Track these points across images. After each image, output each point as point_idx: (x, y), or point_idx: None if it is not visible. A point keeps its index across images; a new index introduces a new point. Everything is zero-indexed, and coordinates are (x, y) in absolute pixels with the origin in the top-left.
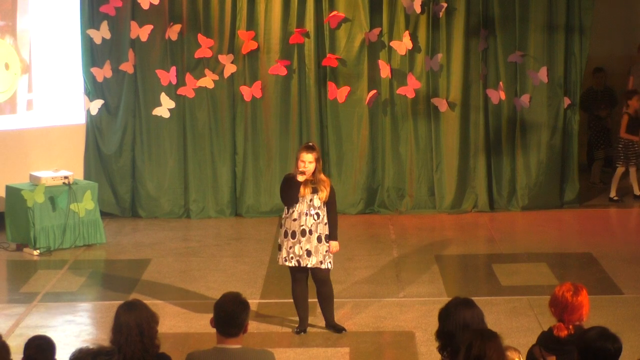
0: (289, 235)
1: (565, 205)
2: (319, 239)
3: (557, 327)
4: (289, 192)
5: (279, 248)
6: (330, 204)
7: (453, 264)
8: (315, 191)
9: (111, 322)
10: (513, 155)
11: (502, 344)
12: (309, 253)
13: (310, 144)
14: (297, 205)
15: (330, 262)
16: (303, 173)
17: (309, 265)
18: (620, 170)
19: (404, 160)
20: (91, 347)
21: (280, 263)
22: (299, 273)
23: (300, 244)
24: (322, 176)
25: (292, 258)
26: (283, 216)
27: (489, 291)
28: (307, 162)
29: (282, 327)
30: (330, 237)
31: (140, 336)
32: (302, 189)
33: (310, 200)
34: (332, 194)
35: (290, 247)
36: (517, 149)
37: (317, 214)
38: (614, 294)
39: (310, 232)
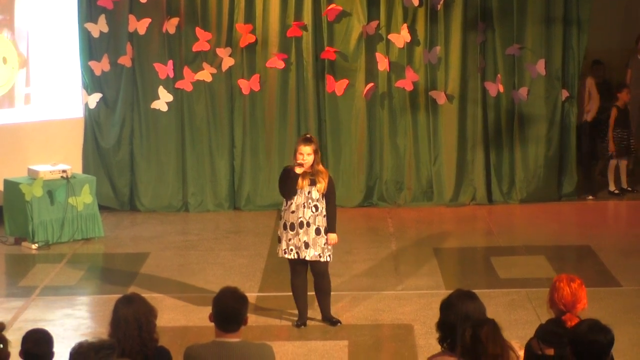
0: (288, 227)
1: (564, 198)
2: (318, 231)
3: (569, 319)
4: (287, 184)
5: (279, 240)
6: (329, 196)
7: (451, 256)
8: (313, 183)
9: (109, 316)
10: (511, 147)
11: (498, 329)
12: (306, 245)
13: (308, 135)
14: (296, 197)
15: (329, 255)
16: (301, 165)
17: (307, 258)
18: (614, 163)
19: (402, 153)
20: (92, 341)
21: (280, 255)
22: (299, 265)
23: (298, 236)
24: (321, 167)
25: (291, 250)
26: (282, 208)
27: (487, 284)
28: (306, 154)
29: (280, 321)
30: (329, 229)
31: (139, 330)
32: (300, 181)
33: (309, 192)
34: (330, 185)
35: (290, 240)
36: (515, 141)
37: (316, 206)
38: (612, 286)
39: (308, 224)
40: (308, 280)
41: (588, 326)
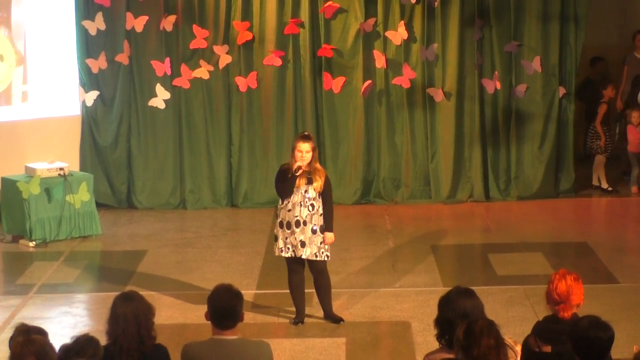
0: (284, 226)
1: (561, 195)
2: (314, 231)
3: (562, 309)
4: (284, 186)
5: (275, 239)
6: (325, 195)
7: (449, 253)
8: (309, 182)
9: (107, 313)
10: (508, 144)
11: (494, 323)
12: (302, 244)
13: (306, 133)
14: (292, 195)
15: (327, 255)
16: (300, 168)
17: (303, 256)
18: (600, 160)
19: (399, 151)
20: (76, 339)
21: (277, 254)
22: (295, 264)
23: (294, 234)
24: (318, 166)
25: (288, 249)
26: (278, 206)
27: (485, 281)
28: (305, 151)
29: (278, 318)
30: (326, 228)
31: (137, 328)
32: (297, 179)
33: (305, 191)
34: (327, 184)
35: (286, 238)
36: (512, 138)
37: (312, 205)
38: (610, 283)
39: (305, 223)
40: (307, 278)
41: (589, 322)
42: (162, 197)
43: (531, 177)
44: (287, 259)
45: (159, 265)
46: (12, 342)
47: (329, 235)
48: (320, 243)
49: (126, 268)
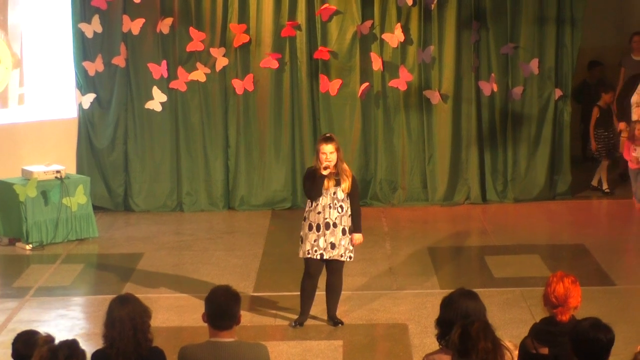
0: (314, 228)
1: (558, 197)
2: (344, 232)
3: (560, 312)
4: (314, 187)
5: (301, 241)
6: (353, 195)
7: (446, 256)
8: (338, 183)
9: (104, 316)
10: (505, 146)
11: (490, 326)
12: (333, 246)
13: (328, 134)
14: (321, 198)
15: (350, 255)
16: (327, 168)
17: (331, 258)
18: (606, 162)
19: (396, 153)
20: (60, 343)
21: (302, 256)
22: (316, 268)
23: (325, 237)
24: (345, 166)
25: (315, 251)
26: (306, 209)
27: (481, 283)
28: (329, 152)
29: (275, 320)
30: (355, 229)
31: (134, 330)
32: (326, 182)
33: (334, 193)
34: (354, 184)
35: (315, 240)
36: (508, 140)
37: (341, 206)
38: (607, 285)
39: (335, 225)
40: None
41: (590, 324)
42: (159, 199)
43: (528, 180)
44: (309, 261)
45: (155, 268)
46: (28, 348)
47: (357, 236)
48: (348, 244)
49: (123, 271)
